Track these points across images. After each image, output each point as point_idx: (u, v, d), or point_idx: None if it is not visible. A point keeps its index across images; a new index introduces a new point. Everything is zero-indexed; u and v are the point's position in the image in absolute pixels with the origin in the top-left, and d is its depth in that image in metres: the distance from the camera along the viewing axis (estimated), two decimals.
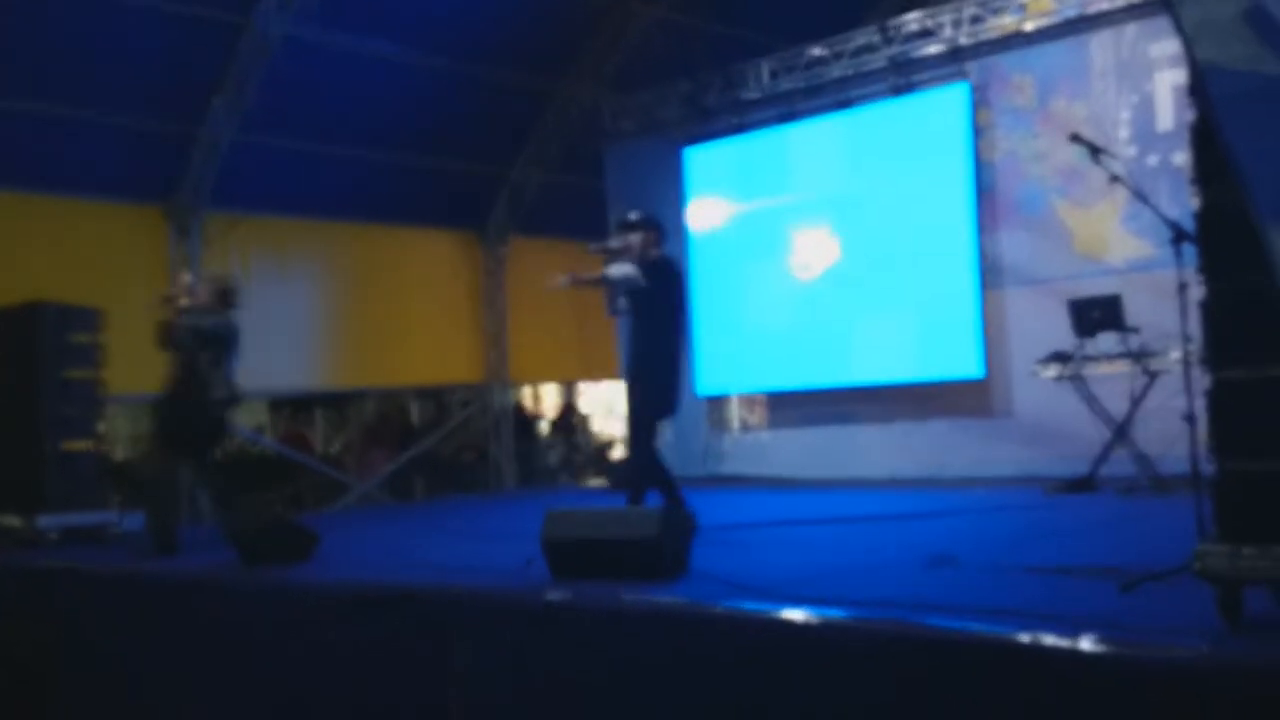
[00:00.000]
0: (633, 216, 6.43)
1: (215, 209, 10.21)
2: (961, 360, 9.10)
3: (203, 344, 6.86)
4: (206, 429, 6.98)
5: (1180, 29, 2.29)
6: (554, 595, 4.61)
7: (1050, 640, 3.14)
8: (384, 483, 11.93)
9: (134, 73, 9.23)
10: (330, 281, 11.10)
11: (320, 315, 11.00)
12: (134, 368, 9.80)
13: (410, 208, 11.27)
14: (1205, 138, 3.11)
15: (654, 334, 6.19)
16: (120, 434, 13.05)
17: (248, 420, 12.83)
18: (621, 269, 6.19)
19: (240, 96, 9.63)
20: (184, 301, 7.07)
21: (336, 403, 13.42)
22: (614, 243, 6.45)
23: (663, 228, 6.46)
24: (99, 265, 9.48)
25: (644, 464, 6.27)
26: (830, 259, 9.86)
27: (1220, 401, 3.15)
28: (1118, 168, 4.66)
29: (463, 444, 13.02)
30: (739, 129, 10.48)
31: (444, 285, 11.80)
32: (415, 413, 13.92)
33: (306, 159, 10.41)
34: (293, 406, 13.22)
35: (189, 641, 5.74)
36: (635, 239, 6.29)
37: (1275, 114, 2.13)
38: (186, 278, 7.62)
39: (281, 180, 10.31)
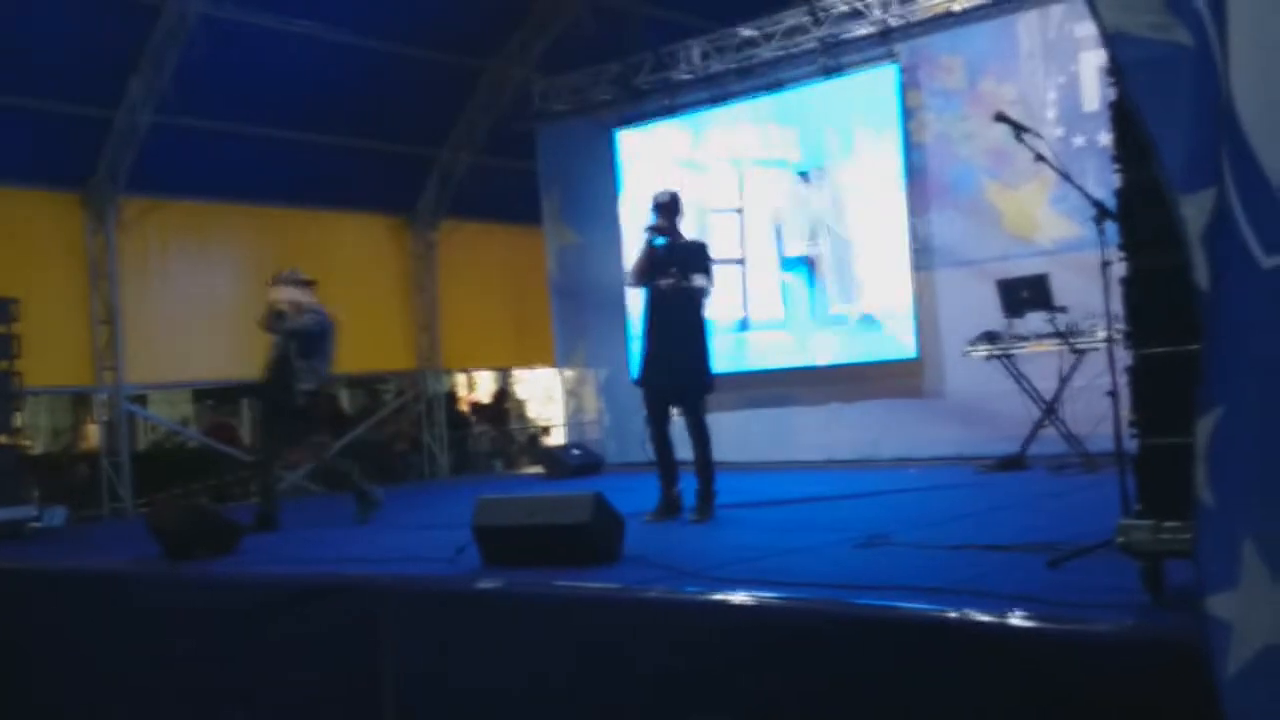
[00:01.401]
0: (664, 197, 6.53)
1: (133, 194, 9.94)
2: (895, 341, 9.17)
3: (297, 340, 7.29)
4: (296, 415, 7.29)
5: None
6: (485, 583, 4.55)
7: (980, 616, 3.16)
8: (314, 473, 11.73)
9: (48, 56, 8.94)
10: (255, 268, 10.80)
11: (245, 303, 10.70)
12: (51, 359, 9.58)
13: (337, 191, 11.06)
14: (1125, 116, 3.13)
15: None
16: (40, 427, 12.72)
17: (171, 412, 12.57)
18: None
19: (158, 78, 9.38)
20: (286, 293, 7.45)
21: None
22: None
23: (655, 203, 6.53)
24: (13, 254, 9.19)
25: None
26: (764, 240, 9.87)
27: (1141, 378, 3.18)
28: (1042, 147, 4.68)
29: (396, 433, 12.86)
30: (671, 110, 10.44)
31: (373, 271, 11.61)
32: (346, 402, 13.73)
33: (228, 141, 10.18)
34: (218, 397, 12.96)
35: (112, 636, 5.59)
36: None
37: (1183, 82, 2.13)
38: (287, 270, 7.82)
39: (202, 163, 10.07)
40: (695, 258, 6.35)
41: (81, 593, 5.94)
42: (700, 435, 6.28)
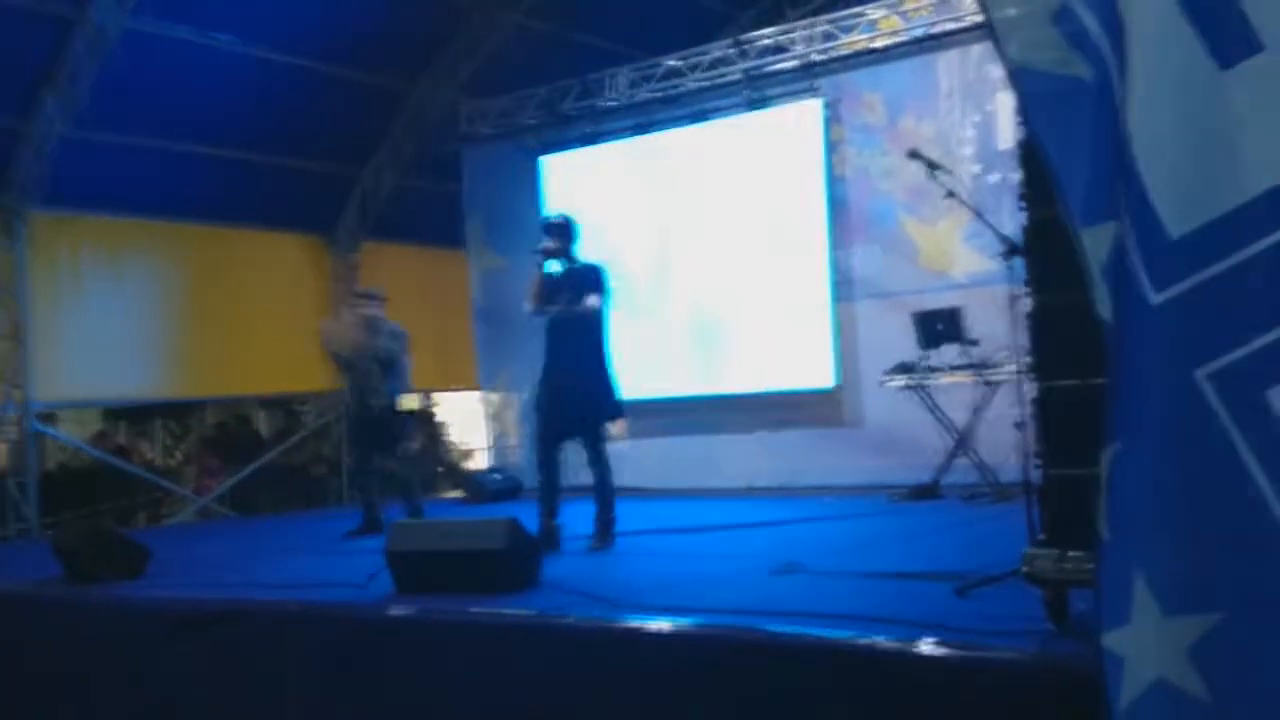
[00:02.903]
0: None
1: (45, 209, 9.68)
2: (816, 371, 9.27)
3: (380, 359, 7.58)
4: (382, 427, 7.62)
5: (993, 32, 2.35)
6: (397, 610, 4.50)
7: (888, 643, 3.20)
8: (226, 496, 11.48)
9: None
10: (170, 285, 10.61)
11: (158, 321, 10.51)
12: None
13: (256, 209, 10.86)
14: (1032, 154, 3.23)
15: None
16: None
17: (80, 431, 12.22)
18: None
19: (73, 91, 9.14)
20: (368, 310, 7.75)
21: (177, 413, 12.87)
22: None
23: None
24: None
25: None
26: (689, 269, 9.93)
27: (1045, 410, 3.26)
28: (954, 184, 4.80)
29: (314, 456, 12.64)
30: (595, 137, 10.48)
31: (291, 290, 11.41)
32: (263, 423, 13.46)
33: (144, 156, 9.94)
34: (130, 417, 12.64)
35: (8, 659, 5.40)
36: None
37: (1083, 116, 2.20)
38: (367, 288, 8.08)
39: (118, 178, 9.82)
40: (589, 281, 6.12)
41: None
42: (600, 464, 6.10)
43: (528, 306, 6.29)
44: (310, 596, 4.85)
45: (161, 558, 6.03)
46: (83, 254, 10.04)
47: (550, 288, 6.15)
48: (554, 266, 6.20)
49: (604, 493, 6.13)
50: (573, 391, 6.08)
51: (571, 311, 6.03)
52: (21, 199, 9.55)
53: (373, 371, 7.58)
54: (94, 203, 9.92)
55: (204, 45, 9.56)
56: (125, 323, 10.14)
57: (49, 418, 10.68)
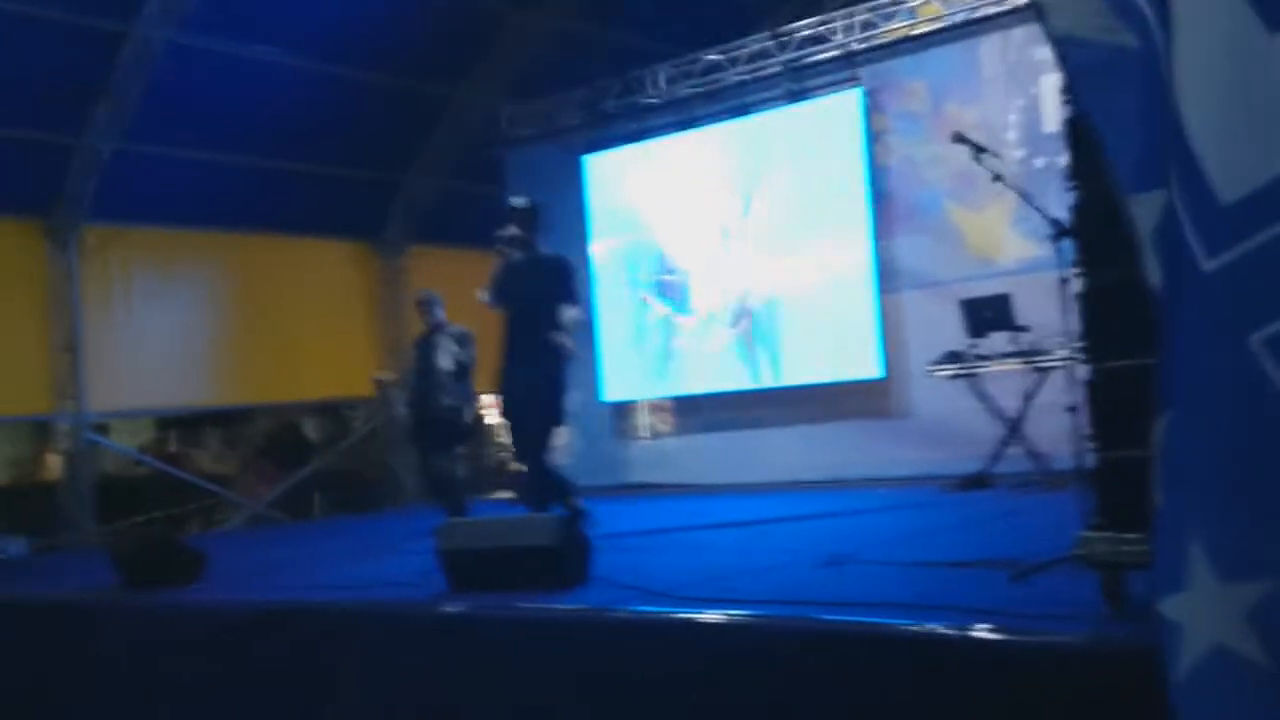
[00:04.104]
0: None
1: (96, 221, 9.86)
2: (863, 362, 9.21)
3: (459, 365, 7.59)
4: (446, 431, 7.58)
5: (1037, 5, 2.33)
6: (450, 607, 4.52)
7: (942, 630, 3.17)
8: (280, 501, 11.61)
9: (11, 83, 8.86)
10: (219, 295, 10.77)
11: (208, 330, 10.67)
12: (10, 388, 9.48)
13: (302, 217, 11.00)
14: (1079, 132, 3.18)
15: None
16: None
17: (132, 440, 12.42)
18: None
19: (122, 105, 9.33)
20: (435, 317, 7.80)
21: (228, 420, 13.05)
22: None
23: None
24: None
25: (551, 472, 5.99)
26: (734, 264, 9.90)
27: (1097, 392, 3.21)
28: (1000, 168, 4.74)
29: (365, 459, 12.75)
30: (638, 135, 10.48)
31: (339, 297, 11.55)
32: (312, 429, 13.60)
33: (193, 168, 10.12)
34: (181, 425, 12.83)
35: (71, 666, 5.50)
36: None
37: (1130, 84, 2.17)
38: (429, 292, 8.13)
39: (166, 190, 10.00)
40: (553, 276, 5.74)
41: (41, 623, 5.85)
42: (539, 475, 5.76)
43: (483, 295, 5.89)
44: (366, 596, 4.89)
45: (217, 563, 6.12)
46: (133, 265, 10.23)
47: (510, 277, 5.73)
48: (515, 255, 5.79)
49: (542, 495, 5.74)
50: (518, 394, 5.75)
51: (534, 308, 5.61)
52: (73, 212, 9.75)
53: (442, 376, 7.59)
54: (144, 215, 10.11)
55: (248, 57, 9.70)
56: (176, 332, 10.32)
57: (102, 428, 10.88)
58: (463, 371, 7.64)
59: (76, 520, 9.83)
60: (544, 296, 5.66)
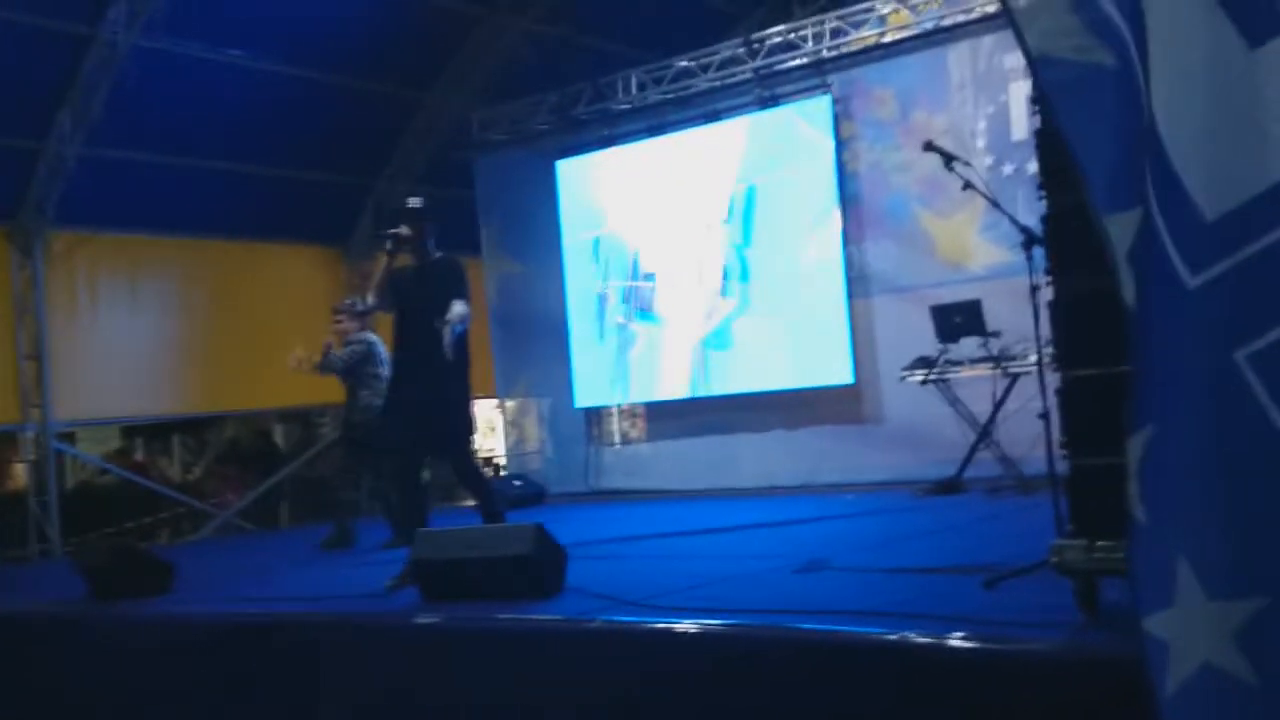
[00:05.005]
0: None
1: (61, 227, 9.74)
2: (833, 368, 9.24)
3: (345, 372, 7.54)
4: (361, 440, 7.43)
5: (1012, 20, 2.34)
6: (424, 619, 4.50)
7: (918, 638, 3.18)
8: (248, 510, 11.50)
9: None
10: (186, 301, 10.66)
11: (176, 337, 10.55)
12: None
13: (271, 222, 10.91)
14: (1051, 142, 3.21)
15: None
16: None
17: (98, 449, 12.28)
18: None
19: (87, 109, 9.21)
20: (342, 326, 7.75)
21: (195, 428, 12.92)
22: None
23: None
24: None
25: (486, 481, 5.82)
26: (704, 269, 9.91)
27: (1070, 400, 3.24)
28: (971, 175, 4.77)
29: (333, 468, 12.65)
30: (609, 140, 10.48)
31: (308, 303, 11.44)
32: (280, 436, 13.49)
33: (159, 173, 10.01)
34: (148, 433, 12.69)
35: (38, 680, 5.43)
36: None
37: (1106, 103, 2.18)
38: (346, 300, 7.97)
39: (133, 196, 9.88)
40: (444, 279, 5.38)
41: (8, 636, 5.76)
42: (473, 483, 5.59)
43: (370, 299, 5.60)
44: (334, 608, 4.85)
45: (185, 574, 6.06)
46: (100, 272, 10.11)
47: (400, 282, 5.44)
48: (405, 259, 5.47)
49: (489, 516, 5.50)
50: (422, 408, 5.37)
51: (426, 314, 5.27)
52: (38, 218, 9.62)
53: (348, 387, 7.60)
54: (109, 220, 10.00)
55: (215, 61, 9.62)
56: (143, 339, 10.21)
57: (68, 437, 10.74)
58: (360, 378, 7.57)
59: (43, 531, 9.70)
60: (435, 302, 5.27)
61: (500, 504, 5.71)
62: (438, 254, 5.54)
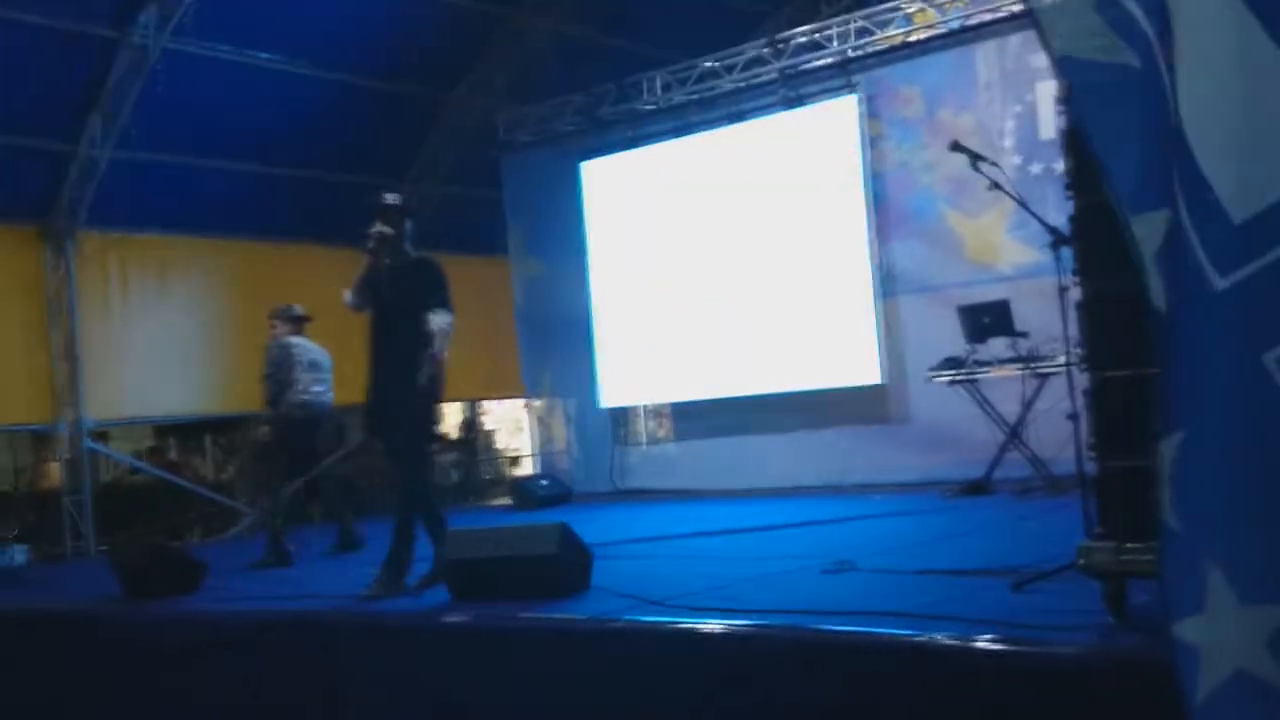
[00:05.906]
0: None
1: (93, 228, 9.85)
2: (861, 368, 9.21)
3: (265, 377, 7.52)
4: (284, 443, 7.55)
5: (1037, 22, 2.33)
6: (452, 617, 4.53)
7: (945, 640, 3.17)
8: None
9: (9, 91, 8.85)
10: (217, 301, 10.75)
11: (207, 337, 10.64)
12: (9, 396, 9.46)
13: (298, 223, 10.97)
14: (1078, 142, 3.19)
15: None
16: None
17: (130, 448, 12.40)
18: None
19: (118, 112, 9.32)
20: (276, 331, 7.69)
21: (226, 427, 13.03)
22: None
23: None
24: None
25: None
26: (731, 270, 9.90)
27: (1099, 401, 3.21)
28: (998, 175, 4.74)
29: (361, 467, 12.72)
30: (634, 141, 10.49)
31: (338, 303, 11.48)
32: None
33: (190, 174, 10.10)
34: (180, 432, 12.80)
35: (73, 676, 5.49)
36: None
37: (1131, 104, 2.16)
38: (281, 305, 7.93)
39: (163, 197, 9.98)
40: (423, 281, 5.24)
41: (43, 633, 5.84)
42: (405, 492, 5.26)
43: (348, 297, 5.43)
44: (367, 606, 4.89)
45: (218, 572, 6.11)
46: (131, 272, 10.22)
47: (378, 281, 5.27)
48: (385, 259, 5.28)
49: (400, 528, 5.19)
50: (385, 406, 5.27)
51: (401, 314, 5.18)
52: (70, 219, 9.74)
53: (267, 392, 7.49)
54: (140, 221, 10.09)
55: (244, 64, 9.71)
56: (174, 339, 10.30)
57: (101, 436, 10.85)
58: (271, 384, 7.50)
59: (77, 528, 9.81)
60: (412, 305, 5.17)
61: (440, 529, 5.28)
62: (415, 254, 5.36)
